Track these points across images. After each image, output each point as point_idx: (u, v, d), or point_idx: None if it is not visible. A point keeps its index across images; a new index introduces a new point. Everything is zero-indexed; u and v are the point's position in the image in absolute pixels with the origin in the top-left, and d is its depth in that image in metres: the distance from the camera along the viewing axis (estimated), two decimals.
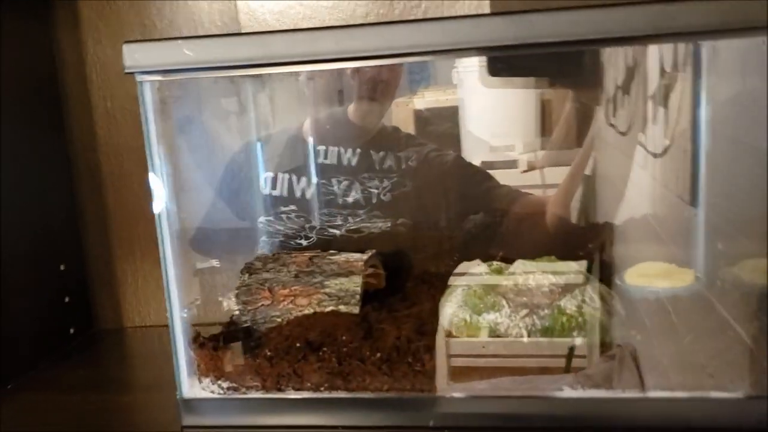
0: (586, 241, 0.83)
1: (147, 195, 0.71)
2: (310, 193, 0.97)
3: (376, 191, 0.94)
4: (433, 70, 1.05)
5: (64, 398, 0.85)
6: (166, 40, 0.62)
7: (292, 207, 0.97)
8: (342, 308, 0.83)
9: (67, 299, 1.02)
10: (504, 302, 0.75)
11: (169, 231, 0.72)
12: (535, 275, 0.78)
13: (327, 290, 0.86)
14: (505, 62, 0.78)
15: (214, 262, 0.96)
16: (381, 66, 0.92)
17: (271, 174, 0.99)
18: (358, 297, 0.84)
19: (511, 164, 0.96)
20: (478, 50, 0.58)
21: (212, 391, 0.73)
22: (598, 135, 0.86)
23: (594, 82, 0.83)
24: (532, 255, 0.82)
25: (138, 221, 1.05)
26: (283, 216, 0.98)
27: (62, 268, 1.01)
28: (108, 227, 1.06)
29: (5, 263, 0.89)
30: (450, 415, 0.69)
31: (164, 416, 0.76)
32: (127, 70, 0.64)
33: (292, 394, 0.72)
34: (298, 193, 0.98)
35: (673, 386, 0.66)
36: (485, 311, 0.75)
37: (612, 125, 0.89)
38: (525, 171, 0.96)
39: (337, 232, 0.96)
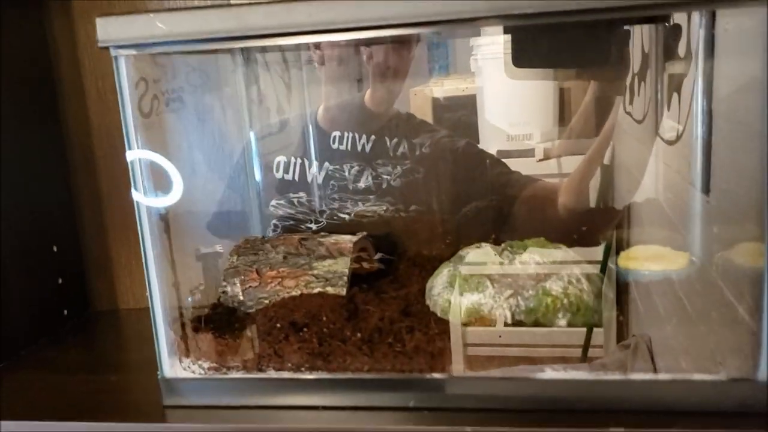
0: (597, 227, 0.82)
1: None
2: (322, 178, 0.97)
3: (387, 177, 0.94)
4: (453, 58, 1.04)
5: (51, 378, 0.85)
6: (139, 13, 0.61)
7: (303, 192, 0.97)
8: (329, 290, 0.83)
9: (60, 281, 1.02)
10: (488, 283, 0.74)
11: (148, 211, 0.71)
12: (521, 256, 0.77)
13: (315, 272, 0.85)
14: (529, 52, 0.77)
15: (218, 248, 0.96)
16: (391, 49, 0.91)
17: (283, 158, 0.99)
18: (345, 279, 0.83)
19: (529, 153, 0.95)
20: (451, 23, 0.56)
21: (193, 372, 0.73)
22: (616, 124, 0.85)
23: (617, 71, 0.83)
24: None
25: (132, 203, 1.04)
26: (294, 200, 0.98)
27: (55, 249, 1.01)
28: (102, 209, 1.06)
29: None
30: (431, 396, 0.68)
31: (149, 396, 0.76)
32: (101, 44, 0.63)
33: (273, 375, 0.71)
34: (309, 178, 0.97)
35: (657, 369, 0.64)
36: (469, 292, 0.74)
37: (628, 113, 0.87)
38: (541, 160, 0.95)
39: (346, 216, 0.95)
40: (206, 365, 0.73)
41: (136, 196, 0.72)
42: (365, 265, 0.91)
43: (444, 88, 1.01)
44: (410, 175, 0.94)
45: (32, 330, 0.96)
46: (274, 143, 1.02)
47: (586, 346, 0.69)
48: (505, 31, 0.79)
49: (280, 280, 0.85)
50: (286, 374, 0.71)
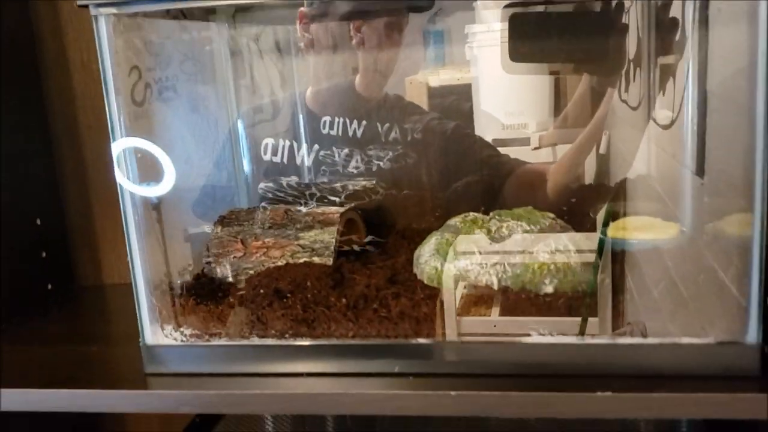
0: (587, 205, 0.81)
1: None
2: (311, 160, 0.96)
3: (378, 162, 0.93)
4: (448, 48, 1.02)
5: (34, 348, 0.84)
6: None
7: (293, 174, 0.96)
8: (316, 260, 0.82)
9: (44, 254, 1.00)
10: (475, 249, 0.73)
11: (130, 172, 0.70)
12: (508, 224, 0.76)
13: (301, 242, 0.84)
14: (525, 46, 0.78)
15: (206, 228, 0.94)
16: (381, 32, 0.90)
17: (272, 141, 0.97)
18: (332, 248, 0.82)
19: (524, 141, 0.94)
20: None
21: (175, 339, 0.72)
22: (610, 112, 0.85)
23: (612, 64, 0.82)
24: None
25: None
26: (283, 182, 0.96)
27: (39, 222, 1.00)
28: (87, 182, 1.05)
29: None
30: (416, 362, 0.67)
31: (131, 365, 0.75)
32: (80, 3, 0.61)
33: (257, 341, 0.70)
34: (298, 161, 0.96)
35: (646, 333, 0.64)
36: (456, 259, 0.73)
37: (624, 101, 0.87)
38: (536, 148, 0.94)
39: (336, 199, 0.94)
40: (188, 332, 0.72)
41: (121, 179, 0.71)
42: (355, 247, 0.89)
43: (439, 77, 1.00)
44: (401, 159, 0.94)
45: (16, 303, 0.95)
46: (261, 125, 1.01)
47: (583, 326, 0.68)
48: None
49: (265, 250, 0.84)
50: (269, 341, 0.70)
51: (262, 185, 0.97)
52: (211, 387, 0.68)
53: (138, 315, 0.72)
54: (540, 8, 0.80)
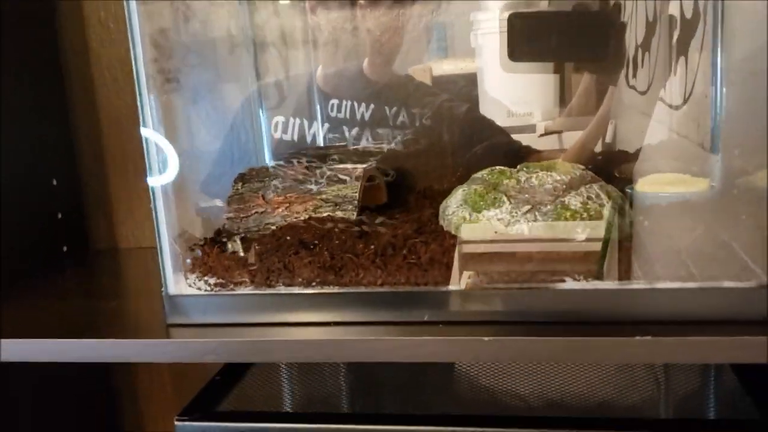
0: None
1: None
2: (322, 138, 0.95)
3: (386, 144, 0.93)
4: (451, 40, 1.01)
5: (53, 303, 0.83)
6: None
7: (303, 152, 0.95)
8: (339, 214, 0.80)
9: (59, 215, 0.99)
10: (505, 199, 0.71)
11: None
12: (538, 174, 0.75)
13: (324, 196, 0.82)
14: (525, 45, 0.78)
15: (218, 202, 0.93)
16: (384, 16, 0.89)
17: (282, 118, 0.96)
18: (355, 203, 0.81)
19: (530, 129, 0.94)
20: None
21: (199, 288, 0.71)
22: (616, 102, 0.84)
23: (615, 61, 0.82)
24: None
25: (131, 136, 1.02)
26: (294, 161, 0.95)
27: (54, 183, 0.98)
28: (102, 143, 1.04)
29: None
30: (446, 310, 0.66)
31: (152, 317, 0.73)
32: None
33: (282, 290, 0.69)
34: (309, 139, 0.95)
35: (683, 277, 0.62)
36: (485, 208, 0.71)
37: (632, 87, 0.85)
38: (542, 135, 0.93)
39: (347, 178, 0.93)
40: (212, 281, 0.70)
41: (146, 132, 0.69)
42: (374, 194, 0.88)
43: (443, 66, 0.99)
44: (411, 144, 0.93)
45: (31, 263, 0.93)
46: (272, 102, 1.00)
47: (603, 259, 0.67)
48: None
49: (287, 205, 0.82)
50: (296, 289, 0.69)
51: (272, 163, 0.96)
52: (235, 337, 0.67)
53: (160, 264, 0.70)
54: (538, 8, 0.80)
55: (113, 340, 0.68)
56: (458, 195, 0.76)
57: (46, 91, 0.98)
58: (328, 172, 0.85)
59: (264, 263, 0.70)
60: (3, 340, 0.70)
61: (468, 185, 0.78)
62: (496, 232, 0.68)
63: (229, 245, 0.73)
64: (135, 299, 0.84)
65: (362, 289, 0.67)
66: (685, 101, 0.75)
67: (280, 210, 0.82)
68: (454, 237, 0.72)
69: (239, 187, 0.86)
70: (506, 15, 0.81)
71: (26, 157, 0.93)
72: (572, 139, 0.90)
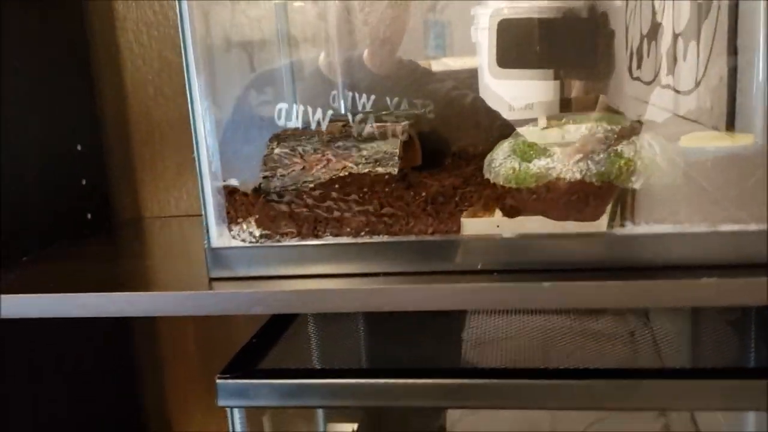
0: None
1: (167, 72, 0.65)
2: (326, 125, 0.93)
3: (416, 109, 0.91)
4: (450, 39, 0.99)
5: (84, 265, 0.81)
6: None
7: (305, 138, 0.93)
8: (379, 170, 0.78)
9: (84, 182, 0.97)
10: (556, 148, 0.70)
11: None
12: (587, 125, 0.73)
13: (363, 153, 0.81)
14: (513, 52, 0.77)
15: (233, 181, 0.91)
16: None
17: (285, 105, 0.94)
18: (396, 158, 0.79)
19: (532, 122, 0.93)
20: None
21: (243, 240, 0.69)
22: (620, 97, 0.83)
23: (604, 68, 0.80)
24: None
25: (157, 102, 1.00)
26: (299, 148, 0.93)
27: (79, 148, 0.96)
28: (126, 109, 1.02)
29: (20, 137, 0.84)
30: (500, 259, 0.64)
31: (193, 272, 0.72)
32: None
33: (331, 240, 0.67)
34: (313, 126, 0.93)
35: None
36: (536, 157, 0.70)
37: (636, 78, 0.84)
38: (545, 128, 0.92)
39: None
40: (258, 233, 0.68)
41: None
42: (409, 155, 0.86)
43: (441, 61, 0.97)
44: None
45: (56, 230, 0.91)
46: (276, 89, 0.98)
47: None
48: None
49: (326, 162, 0.80)
50: (344, 239, 0.67)
51: (277, 150, 0.94)
52: (282, 288, 0.65)
53: (203, 215, 0.69)
54: (527, 15, 0.79)
55: (154, 292, 0.66)
56: (504, 147, 0.74)
57: (68, 52, 0.96)
58: (368, 128, 0.83)
59: (311, 213, 0.68)
60: (36, 295, 0.68)
61: (513, 138, 0.76)
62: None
63: (275, 196, 0.71)
64: (169, 260, 0.82)
65: (412, 238, 0.66)
66: (697, 85, 0.74)
67: (318, 167, 0.81)
68: (503, 187, 0.70)
69: (274, 146, 0.85)
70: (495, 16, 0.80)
71: (49, 120, 0.91)
72: (573, 131, 0.89)
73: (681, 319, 0.84)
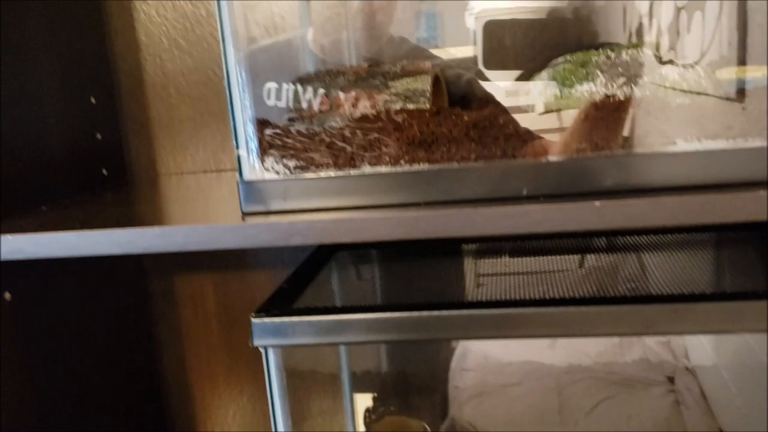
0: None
1: (181, 23, 0.61)
2: (317, 104, 0.90)
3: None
4: (441, 30, 0.97)
5: (108, 210, 0.78)
6: None
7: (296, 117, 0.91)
8: (410, 106, 0.76)
9: (98, 136, 0.94)
10: (598, 72, 0.68)
11: None
12: (628, 50, 0.71)
13: (392, 90, 0.78)
14: (500, 53, 0.75)
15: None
16: None
17: (274, 85, 0.92)
18: (427, 94, 0.77)
19: (529, 108, 0.91)
20: None
21: (277, 172, 0.66)
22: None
23: None
24: None
25: (173, 56, 0.97)
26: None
27: (93, 101, 0.93)
28: (140, 62, 0.99)
29: (34, 88, 0.81)
30: (544, 183, 0.62)
31: (227, 209, 0.69)
32: None
33: (368, 170, 0.65)
34: (304, 105, 0.91)
35: None
36: (578, 83, 0.68)
37: (672, 61, 0.82)
38: (543, 113, 0.91)
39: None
40: (292, 164, 0.66)
41: None
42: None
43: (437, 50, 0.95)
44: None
45: (72, 183, 0.88)
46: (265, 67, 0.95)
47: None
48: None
49: (354, 101, 0.78)
50: (382, 169, 0.65)
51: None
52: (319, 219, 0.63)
53: (235, 146, 0.66)
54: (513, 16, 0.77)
55: (189, 225, 0.63)
56: (542, 76, 0.72)
57: (80, 4, 0.93)
58: (396, 68, 0.80)
59: (347, 142, 0.65)
60: (61, 233, 0.65)
61: (547, 70, 0.74)
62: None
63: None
64: (195, 203, 0.79)
65: (455, 165, 0.63)
66: (703, 56, 0.73)
67: (346, 105, 0.78)
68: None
69: (297, 87, 0.82)
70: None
71: (62, 71, 0.88)
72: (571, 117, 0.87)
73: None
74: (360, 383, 1.10)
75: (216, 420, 1.10)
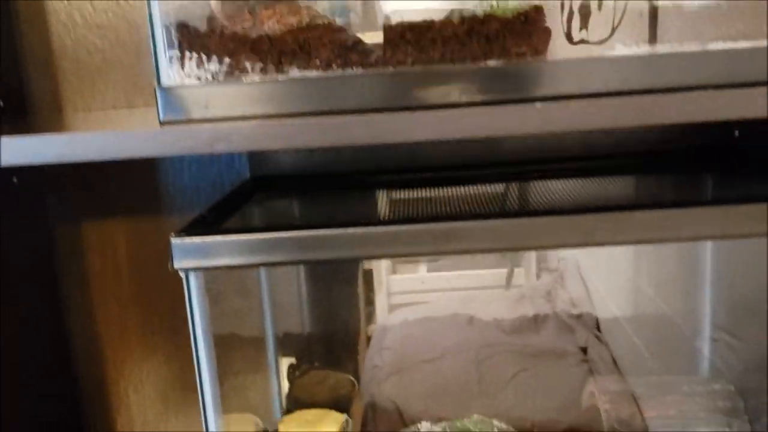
0: None
1: None
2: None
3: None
4: None
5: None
6: None
7: None
8: (338, 20, 0.73)
9: None
10: None
11: None
12: None
13: (320, 8, 0.75)
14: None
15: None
16: None
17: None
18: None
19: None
20: None
21: (198, 78, 0.61)
22: None
23: None
24: None
25: None
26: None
27: None
28: None
29: None
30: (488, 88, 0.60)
31: (139, 122, 0.64)
32: None
33: (296, 75, 0.61)
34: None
35: None
36: None
37: (583, 41, 0.82)
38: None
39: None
40: (213, 68, 0.61)
41: None
42: None
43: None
44: None
45: None
46: None
47: None
48: None
49: (278, 17, 0.74)
50: (312, 74, 0.61)
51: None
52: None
53: (151, 48, 0.61)
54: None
55: (104, 131, 0.58)
56: None
57: None
58: None
59: (275, 45, 0.61)
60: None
61: None
62: None
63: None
64: (107, 122, 0.73)
65: (390, 70, 0.60)
66: (613, 31, 0.73)
67: (269, 23, 0.74)
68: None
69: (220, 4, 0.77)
70: None
71: None
72: None
73: None
74: (284, 346, 1.07)
75: (129, 380, 1.03)
